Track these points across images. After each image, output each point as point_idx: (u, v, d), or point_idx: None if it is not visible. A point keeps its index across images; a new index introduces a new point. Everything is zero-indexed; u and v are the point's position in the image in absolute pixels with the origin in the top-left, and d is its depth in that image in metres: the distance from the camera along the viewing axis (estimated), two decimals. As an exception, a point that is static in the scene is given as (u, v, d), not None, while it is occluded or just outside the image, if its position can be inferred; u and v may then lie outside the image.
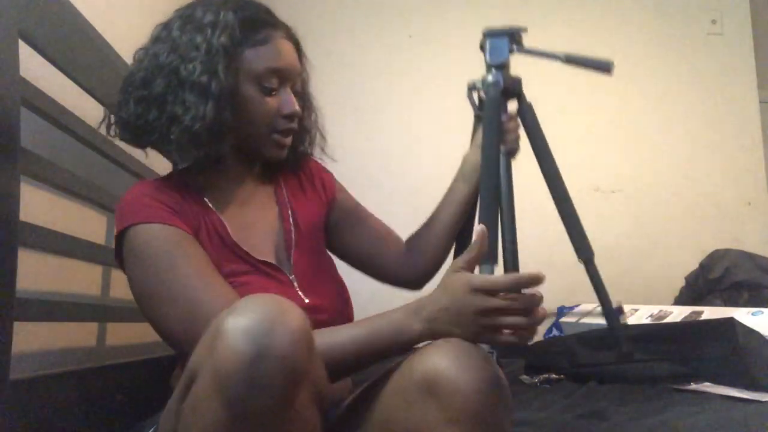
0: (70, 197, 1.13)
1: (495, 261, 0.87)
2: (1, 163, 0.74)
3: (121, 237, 0.81)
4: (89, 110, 1.10)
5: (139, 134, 0.85)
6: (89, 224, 1.27)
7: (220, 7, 0.85)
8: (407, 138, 2.54)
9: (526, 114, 1.02)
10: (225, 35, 0.82)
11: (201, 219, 0.86)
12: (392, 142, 2.54)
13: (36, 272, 1.03)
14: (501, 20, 1.26)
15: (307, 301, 0.87)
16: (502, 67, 1.01)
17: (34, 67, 0.90)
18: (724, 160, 2.63)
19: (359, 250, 1.04)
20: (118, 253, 0.83)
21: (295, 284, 0.89)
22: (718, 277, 2.06)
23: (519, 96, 1.02)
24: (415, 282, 1.07)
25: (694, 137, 2.64)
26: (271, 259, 0.89)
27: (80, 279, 1.22)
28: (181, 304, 0.76)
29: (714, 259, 2.14)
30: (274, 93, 0.87)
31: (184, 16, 0.86)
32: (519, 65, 1.33)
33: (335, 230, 1.04)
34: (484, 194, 0.93)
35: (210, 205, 0.89)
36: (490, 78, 1.00)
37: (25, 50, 0.83)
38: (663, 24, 2.70)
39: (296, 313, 0.59)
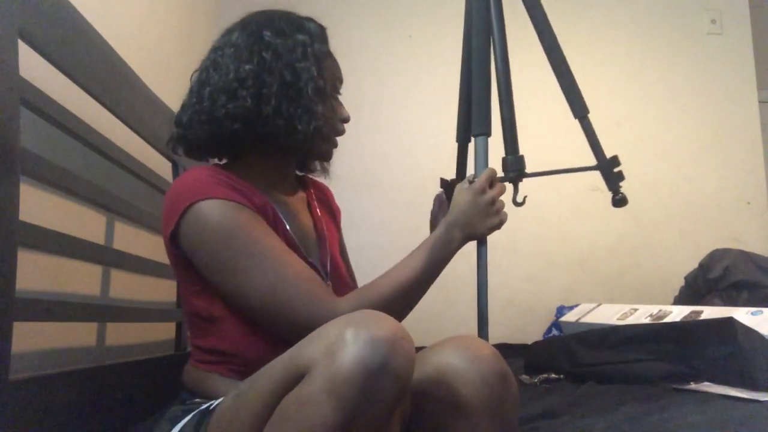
0: (70, 197, 1.13)
1: (489, 133, 1.02)
2: (1, 163, 0.74)
3: (185, 212, 0.79)
4: (89, 110, 1.10)
5: (246, 124, 0.86)
6: (89, 224, 1.27)
7: (300, 19, 0.91)
8: (407, 138, 2.54)
9: None
10: (320, 44, 0.90)
11: (261, 207, 0.86)
12: (392, 142, 2.54)
13: (36, 272, 1.03)
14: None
15: None
16: None
17: (34, 67, 0.90)
18: (724, 160, 2.64)
19: None
20: (176, 228, 0.80)
21: (330, 289, 0.91)
22: (718, 277, 2.06)
23: None
24: None
25: (694, 137, 2.64)
26: (315, 262, 0.91)
27: (80, 279, 1.22)
28: (270, 275, 0.78)
29: (713, 258, 2.14)
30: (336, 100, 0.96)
31: (266, 23, 0.89)
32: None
33: None
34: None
35: (268, 197, 0.90)
36: None
37: (25, 50, 0.83)
38: (663, 24, 2.70)
39: (409, 337, 0.64)
